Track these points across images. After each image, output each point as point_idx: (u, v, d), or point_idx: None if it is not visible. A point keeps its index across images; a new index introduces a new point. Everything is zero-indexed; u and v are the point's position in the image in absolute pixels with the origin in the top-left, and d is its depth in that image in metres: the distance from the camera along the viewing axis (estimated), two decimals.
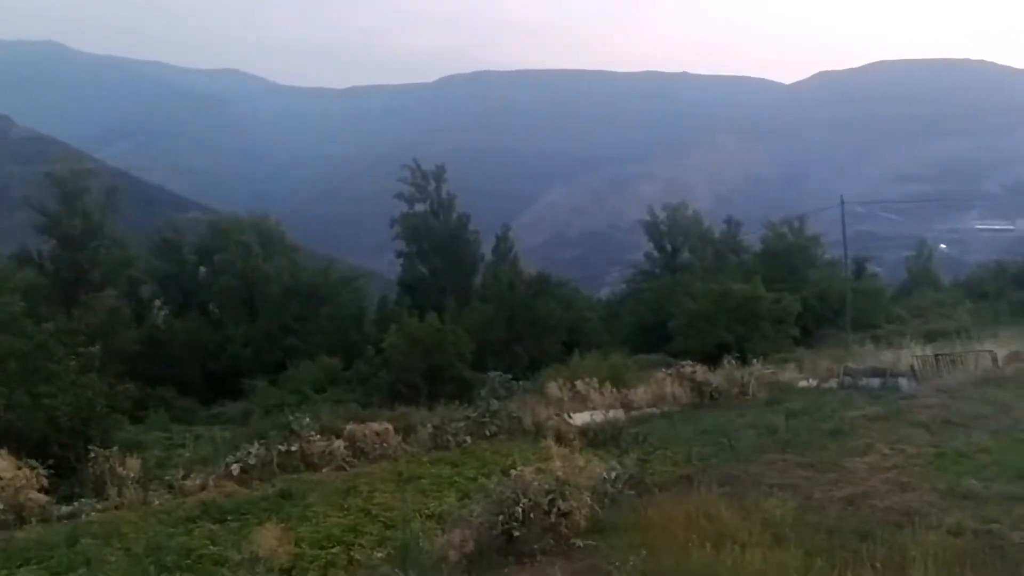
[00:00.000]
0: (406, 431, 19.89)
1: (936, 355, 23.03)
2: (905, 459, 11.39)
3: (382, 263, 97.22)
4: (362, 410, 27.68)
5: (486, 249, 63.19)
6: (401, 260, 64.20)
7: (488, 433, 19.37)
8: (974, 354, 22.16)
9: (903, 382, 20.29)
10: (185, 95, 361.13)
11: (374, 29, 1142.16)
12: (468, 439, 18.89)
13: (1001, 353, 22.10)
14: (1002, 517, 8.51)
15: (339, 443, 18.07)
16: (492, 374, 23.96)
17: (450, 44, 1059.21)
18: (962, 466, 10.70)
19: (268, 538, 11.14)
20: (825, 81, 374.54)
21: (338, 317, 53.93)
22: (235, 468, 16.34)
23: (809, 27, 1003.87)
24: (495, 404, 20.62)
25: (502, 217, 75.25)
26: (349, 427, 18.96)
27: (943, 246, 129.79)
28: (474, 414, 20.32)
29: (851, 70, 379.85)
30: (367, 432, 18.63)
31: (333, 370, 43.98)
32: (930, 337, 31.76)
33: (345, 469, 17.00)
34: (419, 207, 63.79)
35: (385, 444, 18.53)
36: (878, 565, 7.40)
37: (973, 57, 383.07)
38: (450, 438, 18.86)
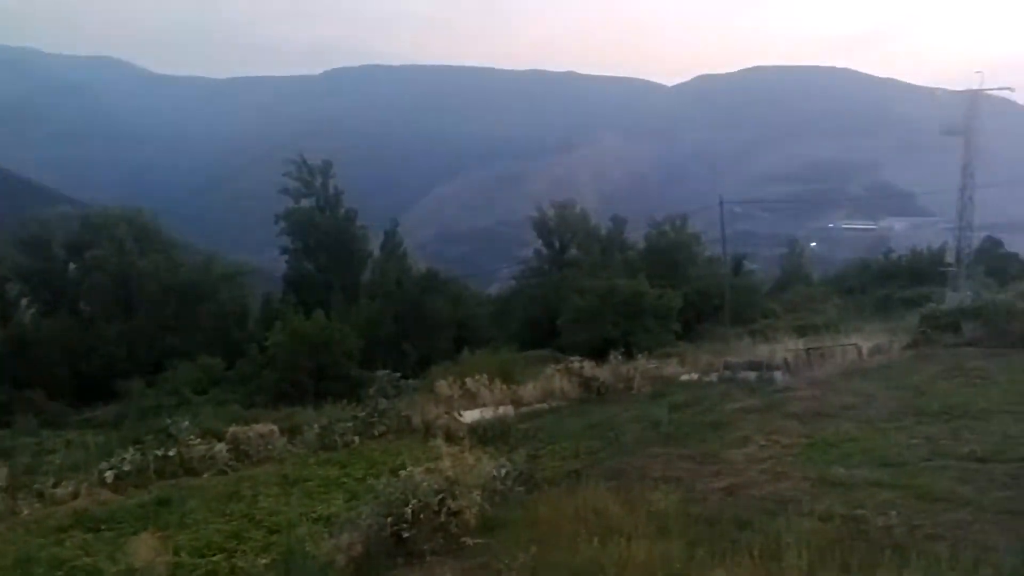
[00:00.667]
0: (292, 432, 19.48)
1: (807, 349, 24.20)
2: (780, 449, 11.90)
3: (266, 259, 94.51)
4: (245, 411, 26.97)
5: (374, 245, 62.45)
6: (286, 256, 62.71)
7: (377, 433, 19.18)
8: (841, 347, 23.38)
9: (778, 375, 21.23)
10: (55, 83, 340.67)
11: (256, 18, 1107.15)
12: (356, 439, 18.64)
13: (866, 346, 23.41)
14: (867, 502, 9.01)
15: (220, 446, 17.53)
16: (380, 372, 23.77)
17: (337, 36, 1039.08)
18: (831, 455, 11.26)
19: (144, 548, 10.69)
20: (704, 83, 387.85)
21: (219, 315, 52.25)
22: (109, 475, 15.63)
23: (691, 31, 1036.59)
24: (384, 403, 20.43)
25: (391, 213, 74.54)
26: (231, 429, 18.44)
27: (814, 244, 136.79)
28: (362, 413, 20.09)
29: (729, 74, 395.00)
30: (250, 434, 18.15)
31: (214, 370, 42.51)
32: (802, 331, 33.33)
33: (227, 473, 16.52)
34: (305, 202, 62.44)
35: (270, 446, 18.09)
36: (755, 552, 7.70)
37: (839, 65, 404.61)
38: (337, 438, 18.57)
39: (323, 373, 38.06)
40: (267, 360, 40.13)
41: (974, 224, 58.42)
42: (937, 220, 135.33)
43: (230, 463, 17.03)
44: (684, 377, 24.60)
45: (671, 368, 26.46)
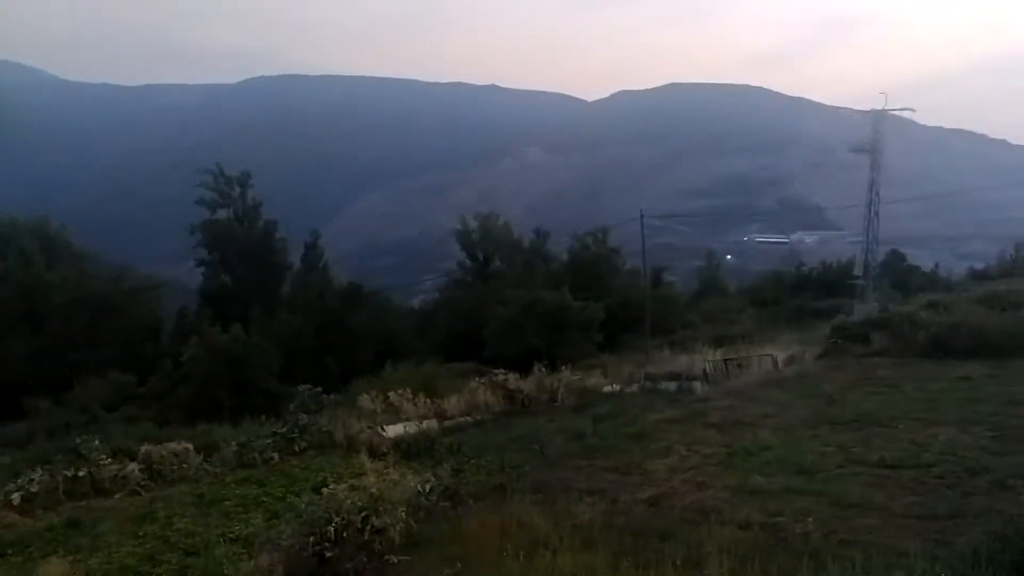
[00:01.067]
0: (208, 450, 18.92)
1: (725, 359, 24.74)
2: (701, 459, 12.13)
3: (181, 272, 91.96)
4: (159, 429, 26.04)
5: (295, 257, 61.30)
6: (202, 269, 60.97)
7: (297, 449, 18.78)
8: (758, 358, 23.99)
9: (697, 385, 21.65)
10: None
11: (171, 24, 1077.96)
12: (276, 456, 18.22)
13: (780, 356, 24.07)
14: (785, 510, 9.25)
15: (133, 466, 16.94)
16: (301, 387, 23.26)
17: (256, 45, 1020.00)
18: (750, 464, 11.52)
19: (54, 572, 10.22)
20: (624, 99, 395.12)
21: (131, 329, 50.36)
22: (16, 497, 14.93)
23: (610, 48, 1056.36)
24: (304, 418, 20.03)
25: (312, 224, 73.20)
26: (144, 448, 17.83)
27: (729, 257, 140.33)
28: (282, 430, 19.64)
29: (647, 90, 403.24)
30: (164, 453, 17.59)
31: (126, 387, 40.92)
32: (719, 342, 34.05)
33: (140, 494, 15.96)
34: (222, 213, 60.84)
35: (185, 465, 17.54)
36: (678, 562, 7.83)
37: (752, 83, 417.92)
38: (256, 456, 18.12)
39: (241, 389, 37.09)
40: (182, 376, 38.89)
41: (879, 238, 60.93)
42: (845, 234, 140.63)
43: (143, 483, 16.47)
44: (607, 388, 24.84)
45: (594, 380, 26.67)
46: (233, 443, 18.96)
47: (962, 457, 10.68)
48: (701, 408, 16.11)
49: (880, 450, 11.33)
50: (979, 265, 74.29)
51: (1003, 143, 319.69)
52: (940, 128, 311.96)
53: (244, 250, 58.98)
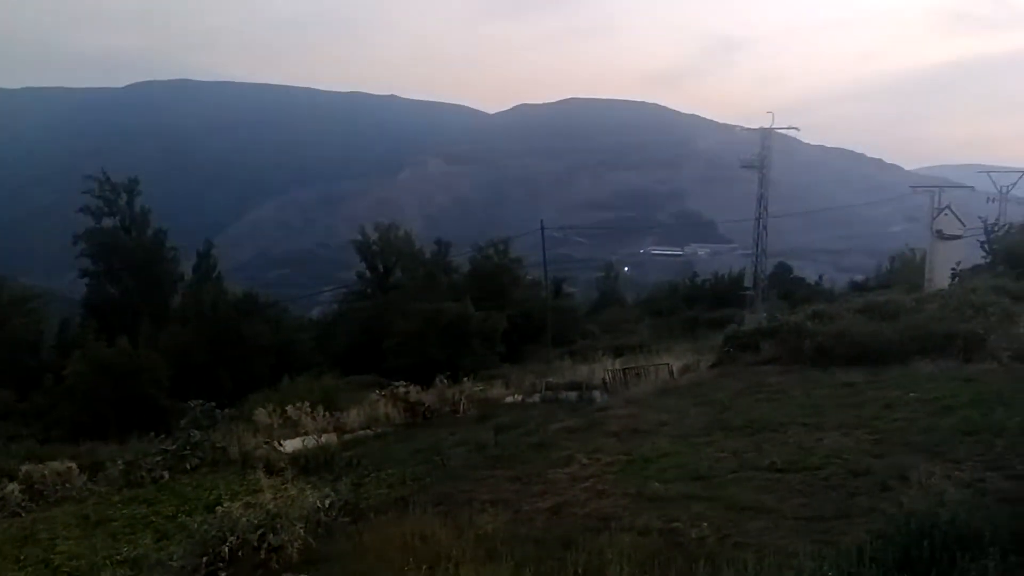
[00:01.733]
0: (93, 469, 18.12)
1: (624, 368, 25.24)
2: (601, 467, 12.30)
3: (63, 282, 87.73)
4: (41, 447, 24.78)
5: (186, 268, 59.34)
6: (87, 280, 58.36)
7: (189, 467, 18.15)
8: (655, 367, 24.56)
9: (597, 394, 22.00)
10: None
11: (53, 26, 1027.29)
12: (166, 474, 17.57)
13: (676, 365, 24.71)
14: (681, 515, 9.48)
15: (13, 486, 16.09)
16: (193, 402, 22.53)
17: (146, 49, 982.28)
18: (648, 471, 11.75)
19: None
20: (524, 112, 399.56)
21: (10, 343, 47.71)
22: None
23: (512, 61, 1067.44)
24: (197, 435, 19.39)
25: (204, 234, 71.12)
26: (24, 468, 16.95)
27: (627, 268, 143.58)
28: (173, 446, 18.96)
29: (547, 104, 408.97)
30: (46, 472, 16.75)
31: (5, 403, 38.80)
32: (618, 351, 34.73)
33: (20, 515, 15.18)
34: (108, 222, 58.48)
35: (68, 485, 16.74)
36: (580, 570, 7.92)
37: (648, 100, 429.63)
38: (145, 474, 17.44)
39: (128, 404, 35.62)
40: (65, 391, 37.11)
41: (768, 251, 63.66)
42: (736, 247, 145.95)
43: (24, 504, 15.68)
44: (509, 399, 24.97)
45: (496, 390, 26.81)
46: (120, 461, 18.20)
47: (846, 460, 11.18)
48: (601, 417, 16.34)
49: (770, 455, 11.75)
50: (859, 277, 78.26)
51: (879, 162, 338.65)
52: (822, 147, 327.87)
53: (131, 260, 56.81)
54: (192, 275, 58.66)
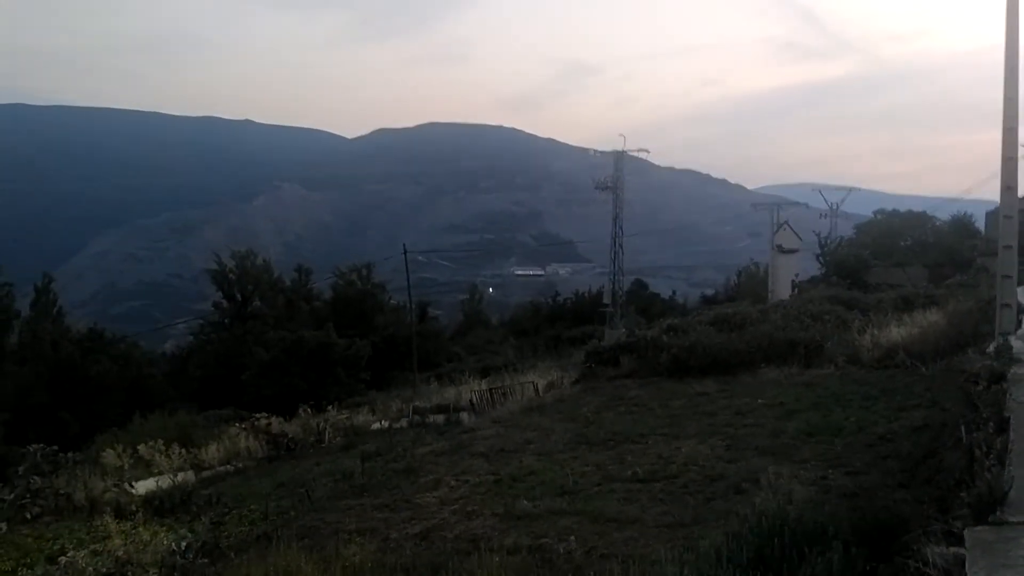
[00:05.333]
0: None
1: (490, 389, 25.43)
2: (469, 489, 12.32)
3: None
4: None
5: (23, 305, 55.19)
6: None
7: (30, 516, 16.80)
8: (520, 385, 24.88)
9: (464, 416, 22.06)
10: None
11: None
12: (3, 526, 16.19)
13: (541, 383, 25.12)
14: (549, 531, 9.63)
15: None
16: (33, 447, 20.93)
17: None
18: (516, 489, 11.87)
19: None
20: (383, 137, 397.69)
21: None
22: None
23: (369, 85, 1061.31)
24: (37, 481, 18.00)
25: (42, 267, 66.35)
26: None
27: (491, 290, 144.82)
28: (10, 496, 17.52)
29: (406, 128, 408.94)
30: None
31: None
32: (484, 372, 34.90)
33: None
34: None
35: None
36: None
37: (505, 124, 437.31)
38: None
39: None
40: None
41: (624, 269, 65.83)
42: (594, 266, 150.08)
43: None
44: (375, 425, 24.64)
45: (362, 417, 26.39)
46: None
47: (702, 466, 11.70)
48: (468, 439, 16.39)
49: (632, 466, 12.13)
50: (709, 291, 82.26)
51: (723, 182, 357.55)
52: (672, 168, 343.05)
53: None
54: (30, 311, 54.65)
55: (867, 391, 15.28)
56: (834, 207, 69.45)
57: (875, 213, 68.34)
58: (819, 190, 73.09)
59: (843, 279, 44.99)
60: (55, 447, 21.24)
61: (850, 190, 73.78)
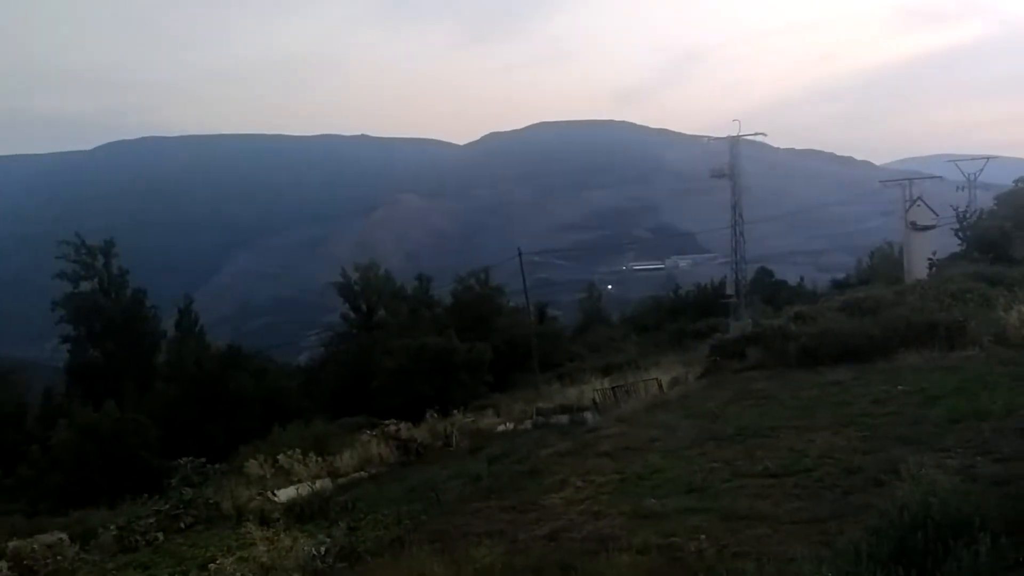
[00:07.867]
0: (85, 537, 17.76)
1: (613, 387, 25.16)
2: (595, 488, 12.23)
3: (44, 351, 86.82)
4: (28, 521, 24.32)
5: (168, 325, 58.92)
6: (68, 346, 57.75)
7: (183, 525, 17.86)
8: (644, 383, 24.52)
9: (588, 415, 21.91)
10: None
11: (12, 92, 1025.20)
12: (160, 536, 17.25)
13: (665, 379, 24.69)
14: (679, 530, 9.43)
15: (1, 565, 15.69)
16: (183, 460, 22.25)
17: (108, 109, 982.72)
18: (642, 488, 11.71)
19: None
20: (494, 141, 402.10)
21: None
22: None
23: (476, 91, 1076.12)
24: (189, 492, 19.13)
25: (183, 289, 70.71)
26: (12, 544, 16.55)
27: (609, 286, 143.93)
28: (165, 506, 18.67)
29: (516, 130, 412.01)
30: (36, 547, 16.37)
31: None
32: (606, 370, 34.64)
33: None
34: (86, 285, 58.03)
35: (60, 557, 16.35)
36: None
37: (616, 118, 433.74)
38: (139, 538, 17.11)
39: (118, 468, 35.09)
40: (51, 461, 36.50)
41: (747, 257, 63.98)
42: (715, 256, 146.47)
43: None
44: (500, 428, 24.80)
45: (487, 420, 26.63)
46: (112, 527, 17.85)
47: (838, 459, 11.19)
48: (592, 438, 16.29)
49: (763, 460, 11.74)
50: (840, 275, 78.81)
51: (849, 160, 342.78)
52: (792, 150, 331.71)
53: (112, 322, 56.35)
54: (174, 332, 58.24)
55: (1016, 372, 14.29)
56: (971, 178, 65.15)
57: (1015, 182, 63.73)
58: (954, 161, 68.88)
59: (985, 254, 42.09)
60: (203, 459, 22.54)
61: (988, 159, 69.08)
